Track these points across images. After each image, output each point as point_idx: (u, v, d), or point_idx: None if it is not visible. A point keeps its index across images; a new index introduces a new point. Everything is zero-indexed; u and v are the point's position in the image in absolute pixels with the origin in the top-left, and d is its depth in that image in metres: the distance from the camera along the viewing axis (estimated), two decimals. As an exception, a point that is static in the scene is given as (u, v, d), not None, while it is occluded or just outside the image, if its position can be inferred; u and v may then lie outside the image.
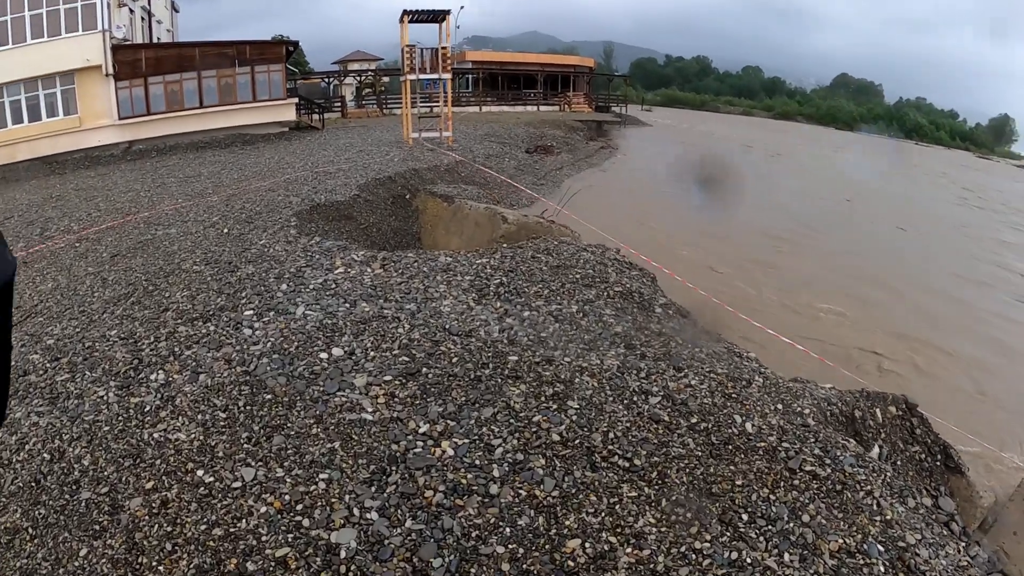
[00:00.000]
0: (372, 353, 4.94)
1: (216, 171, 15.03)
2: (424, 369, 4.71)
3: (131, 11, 23.71)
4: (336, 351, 4.97)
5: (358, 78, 42.10)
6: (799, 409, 4.42)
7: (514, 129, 26.59)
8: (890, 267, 13.98)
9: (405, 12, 18.15)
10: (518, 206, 13.94)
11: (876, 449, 4.49)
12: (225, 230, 8.68)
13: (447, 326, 5.55)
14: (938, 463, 4.76)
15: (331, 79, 41.65)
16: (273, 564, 3.10)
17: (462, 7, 45.47)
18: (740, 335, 7.34)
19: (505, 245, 7.91)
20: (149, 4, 26.51)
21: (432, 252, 7.73)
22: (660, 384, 4.58)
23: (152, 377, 4.79)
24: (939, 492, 4.50)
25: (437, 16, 18.49)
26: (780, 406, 4.42)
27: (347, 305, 5.91)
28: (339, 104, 36.00)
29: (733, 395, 4.48)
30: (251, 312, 5.82)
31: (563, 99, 45.94)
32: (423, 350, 5.01)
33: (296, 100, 25.27)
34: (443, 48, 18.17)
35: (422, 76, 18.62)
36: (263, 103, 23.72)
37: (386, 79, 43.17)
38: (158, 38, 29.14)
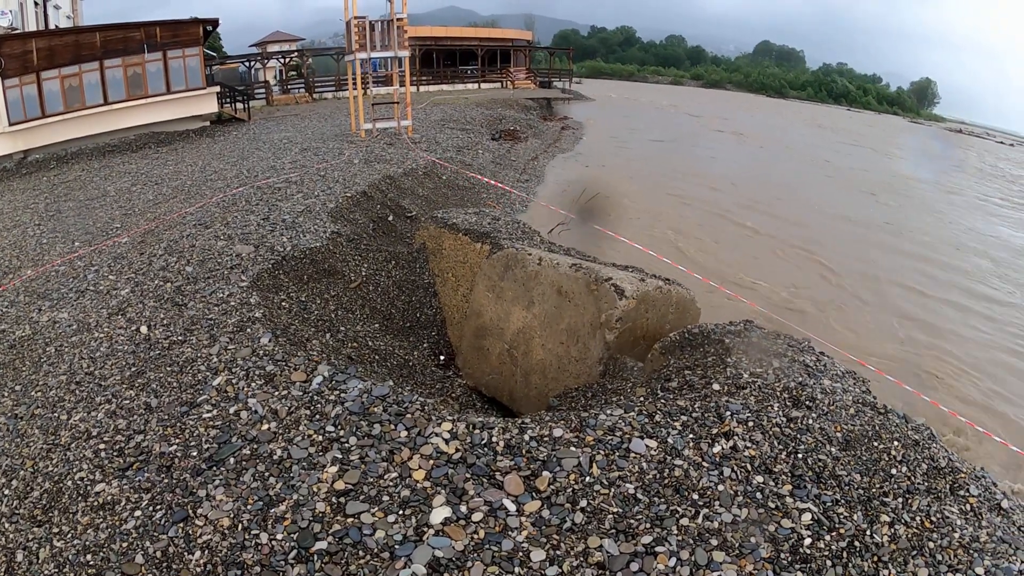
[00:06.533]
0: None
1: (126, 187, 11.97)
2: None
3: (22, -8, 19.62)
4: None
5: (282, 60, 38.20)
6: None
7: (468, 112, 24.01)
8: None
9: (355, -22, 15.17)
10: (512, 211, 11.64)
11: None
12: (143, 329, 5.43)
13: None
14: None
15: (251, 63, 37.59)
16: None
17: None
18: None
19: (662, 354, 4.99)
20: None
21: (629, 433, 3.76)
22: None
23: None
24: None
25: (392, -19, 15.56)
26: None
27: None
28: (263, 90, 32.34)
29: None
30: None
31: (505, 75, 43.38)
32: None
33: (217, 88, 21.77)
34: (399, 19, 15.29)
35: (374, 54, 15.70)
36: (179, 94, 20.13)
37: (311, 61, 39.63)
38: (56, 27, 24.68)
